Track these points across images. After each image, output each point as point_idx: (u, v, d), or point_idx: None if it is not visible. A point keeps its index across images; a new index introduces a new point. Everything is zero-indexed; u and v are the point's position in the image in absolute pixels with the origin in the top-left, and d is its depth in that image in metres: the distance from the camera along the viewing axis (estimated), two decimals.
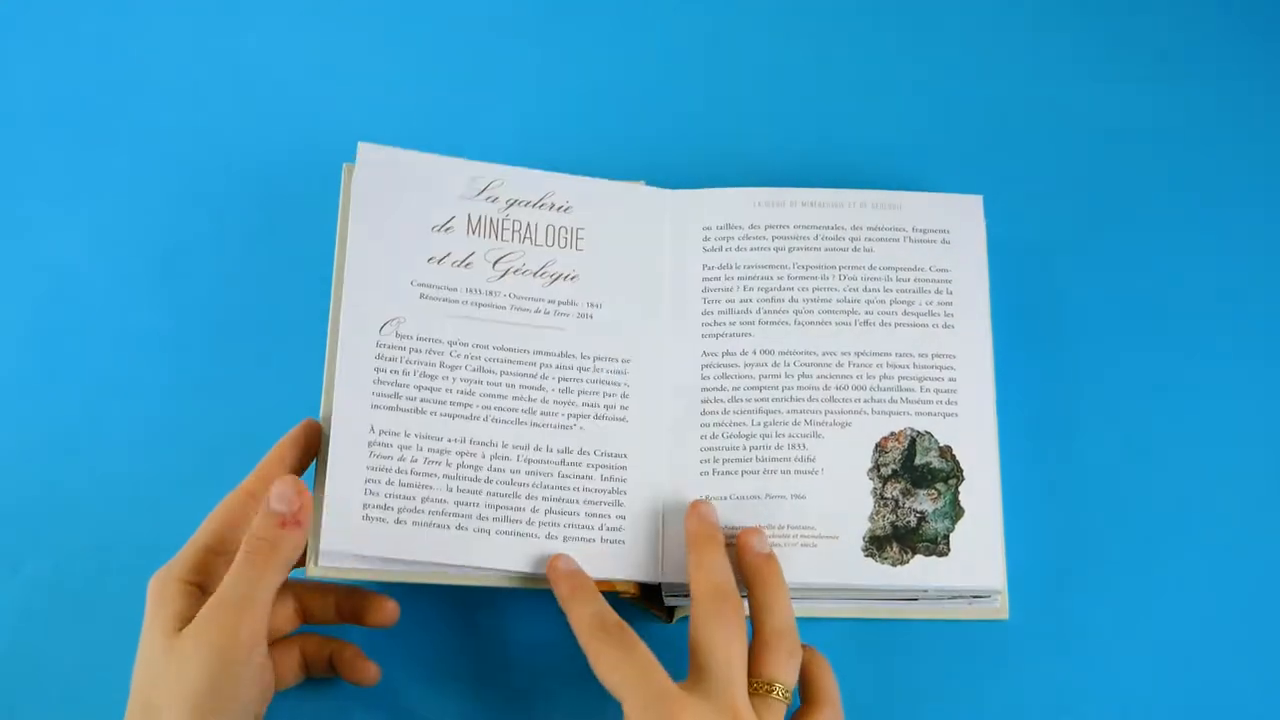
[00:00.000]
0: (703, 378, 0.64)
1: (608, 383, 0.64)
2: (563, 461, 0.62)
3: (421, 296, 0.64)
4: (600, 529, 0.62)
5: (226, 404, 0.69)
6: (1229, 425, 0.68)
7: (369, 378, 0.62)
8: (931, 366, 0.64)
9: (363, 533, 0.59)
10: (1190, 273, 0.71)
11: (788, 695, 0.56)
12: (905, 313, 0.65)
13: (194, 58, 0.76)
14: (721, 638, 0.55)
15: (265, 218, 0.73)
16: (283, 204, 0.73)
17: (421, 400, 0.62)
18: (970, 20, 0.77)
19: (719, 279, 0.66)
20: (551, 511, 0.61)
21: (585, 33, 0.77)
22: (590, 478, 0.62)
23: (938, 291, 0.65)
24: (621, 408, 0.64)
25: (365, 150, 0.65)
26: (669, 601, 0.63)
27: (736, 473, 0.63)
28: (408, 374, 0.62)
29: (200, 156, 0.74)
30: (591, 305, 0.65)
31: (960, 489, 0.62)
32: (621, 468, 0.63)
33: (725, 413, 0.64)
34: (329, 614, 0.62)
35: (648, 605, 0.63)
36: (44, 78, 0.76)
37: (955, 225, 0.67)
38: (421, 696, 0.64)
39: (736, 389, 0.64)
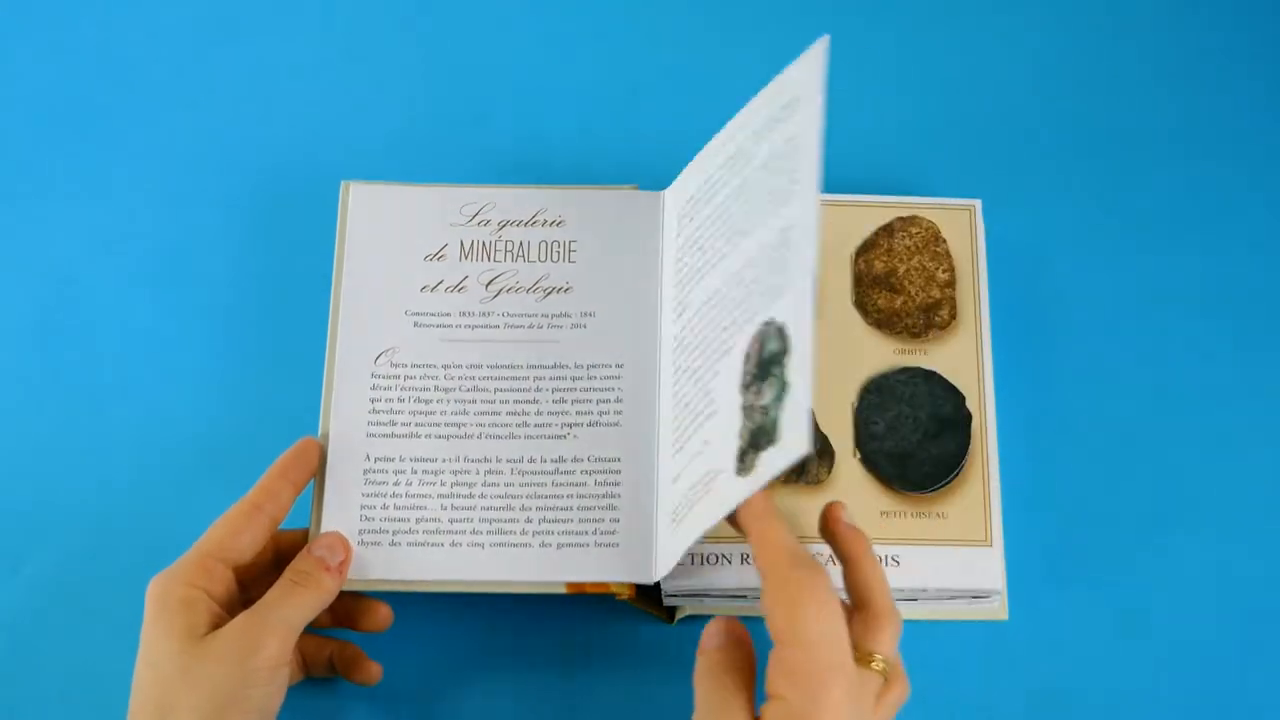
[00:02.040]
0: None
1: (601, 389, 0.64)
2: (556, 470, 0.62)
3: (415, 325, 0.65)
4: (594, 533, 0.61)
5: (226, 405, 0.69)
6: (1225, 426, 0.68)
7: (364, 408, 0.63)
8: (780, 246, 0.56)
9: (358, 558, 0.61)
10: (1187, 274, 0.71)
11: (884, 670, 0.54)
12: None
13: (195, 60, 0.76)
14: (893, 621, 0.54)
15: (267, 218, 0.72)
16: (284, 204, 0.73)
17: (416, 425, 0.63)
18: (968, 24, 0.77)
19: None
20: (545, 520, 0.62)
21: (581, 35, 0.76)
22: (584, 484, 0.62)
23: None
24: (615, 413, 0.63)
25: (354, 188, 0.66)
26: (668, 601, 0.63)
27: None
28: (403, 400, 0.63)
29: (201, 158, 0.74)
30: (585, 315, 0.65)
31: (787, 364, 0.53)
32: (615, 471, 0.62)
33: None
34: (324, 618, 0.62)
35: (647, 607, 0.63)
36: (45, 80, 0.76)
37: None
38: (420, 696, 0.64)
39: None
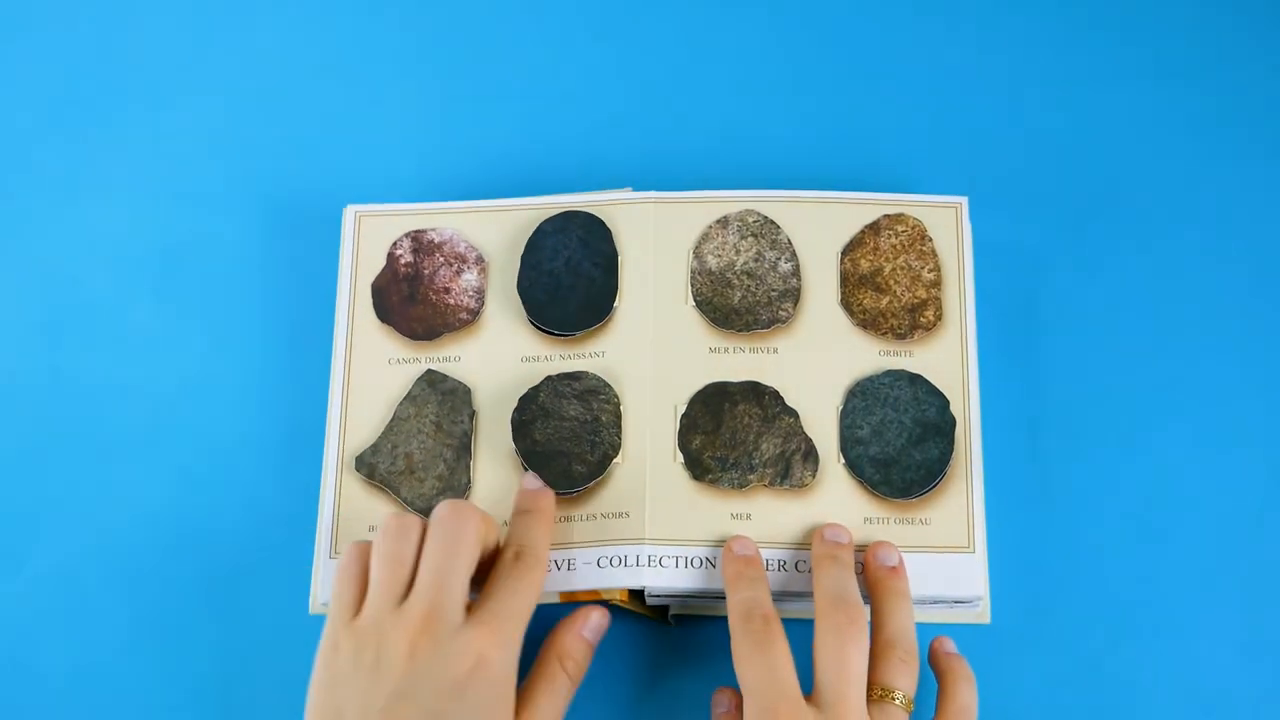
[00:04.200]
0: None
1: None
2: None
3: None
4: None
5: (226, 404, 0.69)
6: (1212, 428, 0.67)
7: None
8: None
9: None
10: (1177, 274, 0.70)
11: (907, 702, 0.56)
12: None
13: (199, 60, 0.76)
14: (832, 648, 0.55)
15: (272, 221, 0.72)
16: (287, 204, 0.72)
17: None
18: (955, 23, 0.75)
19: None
20: None
21: (575, 40, 0.76)
22: None
23: None
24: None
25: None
26: (651, 601, 0.63)
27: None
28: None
29: (204, 159, 0.74)
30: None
31: None
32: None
33: None
34: None
35: (641, 609, 0.63)
36: (45, 81, 0.76)
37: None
38: None
39: None
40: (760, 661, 0.55)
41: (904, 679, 0.56)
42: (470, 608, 0.56)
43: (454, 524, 0.56)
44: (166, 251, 0.72)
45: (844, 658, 0.55)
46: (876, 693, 0.56)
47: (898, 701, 0.56)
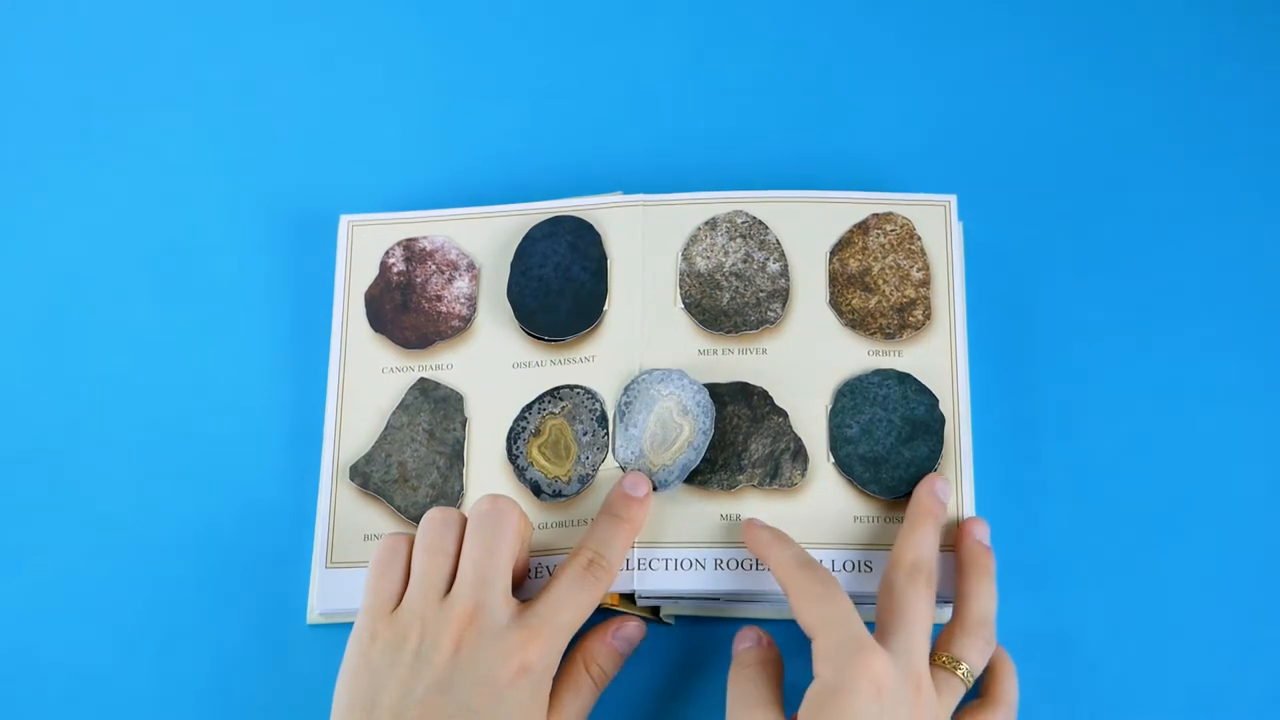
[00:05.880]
0: None
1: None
2: None
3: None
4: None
5: (226, 404, 0.69)
6: (1207, 430, 0.66)
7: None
8: None
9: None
10: (1166, 272, 0.69)
11: (970, 679, 0.57)
12: None
13: (198, 61, 0.77)
14: (915, 605, 0.56)
15: (268, 217, 0.73)
16: (287, 204, 0.73)
17: None
18: (941, 21, 0.75)
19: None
20: None
21: (563, 47, 0.76)
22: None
23: None
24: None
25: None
26: (643, 603, 0.63)
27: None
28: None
29: (200, 164, 0.74)
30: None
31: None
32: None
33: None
34: None
35: (635, 611, 0.63)
36: (46, 81, 0.76)
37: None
38: None
39: None
40: (830, 600, 0.55)
41: (978, 658, 0.57)
42: (522, 604, 0.56)
43: (494, 520, 0.57)
44: (163, 258, 0.72)
45: (921, 617, 0.56)
46: (945, 658, 0.57)
47: (961, 673, 0.56)
